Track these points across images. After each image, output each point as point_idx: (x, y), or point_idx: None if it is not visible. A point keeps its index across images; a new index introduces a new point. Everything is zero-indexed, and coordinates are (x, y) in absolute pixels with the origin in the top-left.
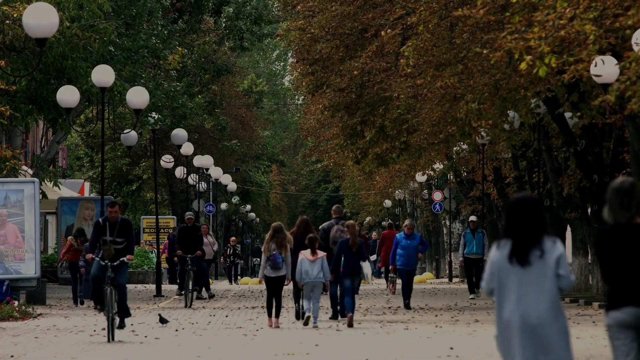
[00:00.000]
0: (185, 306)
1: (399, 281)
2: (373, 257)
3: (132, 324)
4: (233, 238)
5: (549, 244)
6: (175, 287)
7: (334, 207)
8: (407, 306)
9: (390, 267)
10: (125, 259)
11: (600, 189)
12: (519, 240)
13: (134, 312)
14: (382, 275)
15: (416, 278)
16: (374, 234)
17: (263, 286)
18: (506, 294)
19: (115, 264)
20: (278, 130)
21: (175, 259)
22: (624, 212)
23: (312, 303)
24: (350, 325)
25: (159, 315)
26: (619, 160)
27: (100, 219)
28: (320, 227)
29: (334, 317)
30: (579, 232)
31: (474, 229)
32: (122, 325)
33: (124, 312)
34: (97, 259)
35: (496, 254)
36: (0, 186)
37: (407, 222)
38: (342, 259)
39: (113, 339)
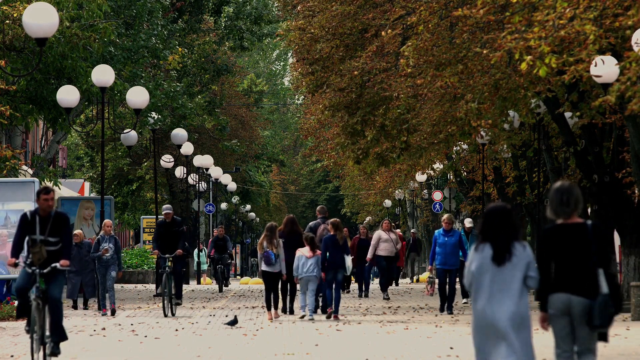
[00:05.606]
0: (165, 315)
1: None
2: None
3: (131, 324)
4: None
5: (520, 248)
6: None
7: (318, 208)
8: (449, 309)
9: (429, 268)
10: (58, 264)
11: (600, 189)
12: (495, 244)
13: (134, 312)
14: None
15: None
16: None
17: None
18: (480, 291)
19: (45, 271)
20: (278, 130)
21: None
22: (564, 207)
23: (308, 297)
24: (328, 317)
25: (235, 317)
26: (619, 160)
27: (27, 212)
28: (307, 226)
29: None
30: None
31: (468, 232)
32: (55, 352)
33: (59, 335)
34: (23, 265)
35: (475, 255)
36: (0, 206)
37: (445, 216)
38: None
39: None
